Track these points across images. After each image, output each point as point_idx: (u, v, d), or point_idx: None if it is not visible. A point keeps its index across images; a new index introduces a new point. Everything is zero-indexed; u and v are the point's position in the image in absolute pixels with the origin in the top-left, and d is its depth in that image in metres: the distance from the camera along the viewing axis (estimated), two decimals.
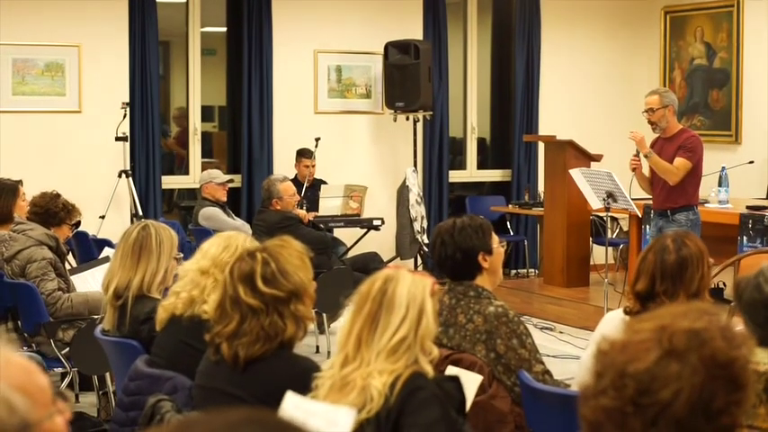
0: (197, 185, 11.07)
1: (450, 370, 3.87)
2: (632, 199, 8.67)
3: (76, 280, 6.90)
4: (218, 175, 10.18)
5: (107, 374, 6.58)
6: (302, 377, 3.44)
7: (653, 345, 1.97)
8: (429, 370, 3.28)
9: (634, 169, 8.38)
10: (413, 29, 12.29)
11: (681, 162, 8.22)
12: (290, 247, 3.68)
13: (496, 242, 4.64)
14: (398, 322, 3.25)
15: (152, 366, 4.25)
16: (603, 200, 8.60)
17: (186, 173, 11.83)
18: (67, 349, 6.48)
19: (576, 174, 8.97)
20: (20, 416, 1.74)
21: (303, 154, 11.21)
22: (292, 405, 2.97)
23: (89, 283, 6.90)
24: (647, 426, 1.91)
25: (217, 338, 3.62)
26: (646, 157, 8.24)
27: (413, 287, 3.30)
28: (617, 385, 1.95)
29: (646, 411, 1.91)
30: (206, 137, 12.04)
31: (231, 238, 4.47)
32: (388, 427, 3.15)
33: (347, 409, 3.04)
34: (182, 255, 5.11)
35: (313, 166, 11.15)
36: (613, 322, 4.39)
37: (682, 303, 4.11)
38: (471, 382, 3.62)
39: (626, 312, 4.36)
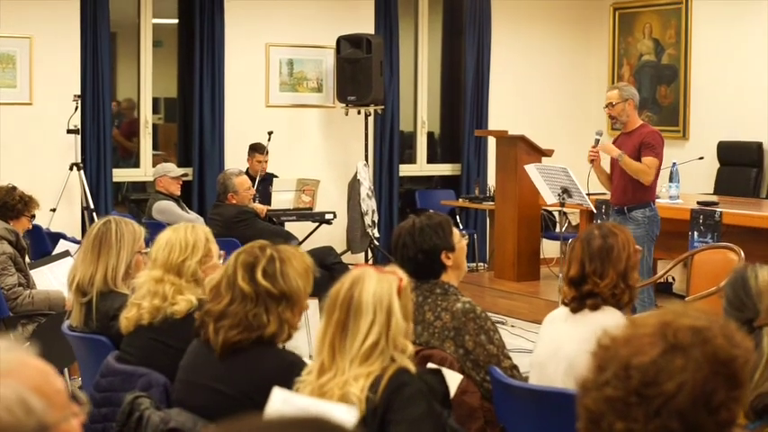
0: (148, 178, 10.99)
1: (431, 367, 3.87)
2: (588, 194, 8.72)
3: (36, 275, 6.84)
4: (173, 169, 10.13)
5: (66, 370, 6.55)
6: (288, 371, 3.44)
7: (658, 339, 2.03)
8: (409, 365, 3.29)
9: (592, 161, 8.42)
10: (364, 23, 12.29)
11: (650, 161, 8.24)
12: (300, 257, 3.70)
13: (458, 237, 4.66)
14: (367, 328, 3.23)
15: (123, 363, 4.23)
16: (558, 195, 8.65)
17: (135, 165, 11.76)
18: (27, 344, 6.42)
19: (531, 169, 9.02)
20: (37, 417, 1.75)
21: (256, 149, 11.18)
22: (281, 400, 2.94)
23: (48, 277, 6.86)
24: (651, 416, 1.97)
25: (206, 317, 3.64)
26: (618, 160, 8.27)
27: (378, 289, 3.27)
28: (621, 376, 2.01)
29: (650, 402, 1.97)
30: (152, 129, 11.92)
31: (172, 237, 4.42)
32: (375, 424, 3.16)
33: (347, 407, 3.03)
34: (148, 249, 5.08)
35: (266, 161, 11.13)
36: (558, 316, 4.54)
37: (612, 282, 4.31)
38: (452, 380, 3.63)
39: (564, 303, 4.47)
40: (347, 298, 3.26)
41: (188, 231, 4.43)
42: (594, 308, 4.34)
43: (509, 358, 4.53)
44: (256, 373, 3.54)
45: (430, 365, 3.73)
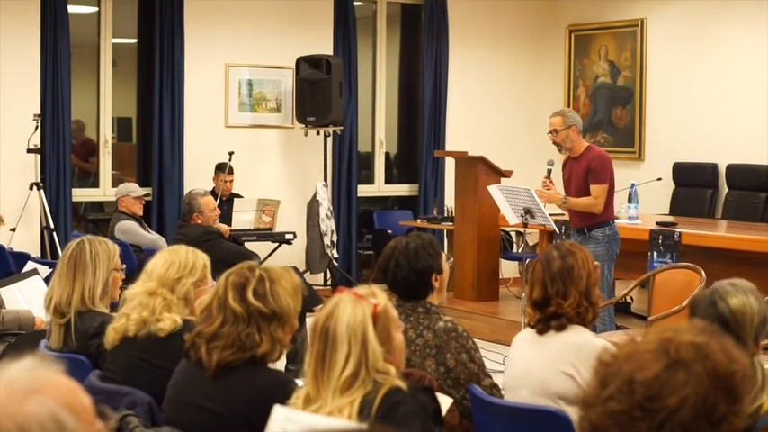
0: (107, 198, 10.96)
1: None
2: (551, 214, 8.80)
3: (3, 294, 6.82)
4: (135, 189, 10.12)
5: None
6: (279, 390, 3.47)
7: (660, 355, 2.08)
8: (401, 383, 3.31)
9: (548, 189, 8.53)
10: (323, 44, 12.34)
11: (597, 189, 8.39)
12: (289, 277, 3.75)
13: (444, 260, 4.75)
14: (344, 360, 3.24)
15: (106, 382, 4.25)
16: (521, 216, 8.72)
17: (93, 185, 11.72)
18: None
19: (494, 190, 9.08)
20: None
21: (222, 169, 11.21)
22: (284, 418, 2.97)
23: (16, 296, 6.83)
24: (654, 430, 2.02)
25: (197, 338, 3.67)
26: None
27: (351, 319, 3.28)
28: (624, 391, 2.06)
29: (654, 416, 2.02)
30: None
31: (174, 254, 4.48)
32: None
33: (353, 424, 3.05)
34: (124, 266, 5.11)
35: (231, 181, 11.17)
36: (525, 339, 4.59)
37: (575, 301, 4.38)
38: (443, 404, 3.66)
39: (531, 326, 4.53)
40: (324, 330, 3.28)
41: (189, 253, 4.49)
42: (560, 328, 4.41)
43: (489, 377, 4.58)
44: (248, 392, 3.57)
45: None
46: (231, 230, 10.52)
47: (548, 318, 4.43)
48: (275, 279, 3.68)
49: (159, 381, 3.93)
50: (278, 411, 3.01)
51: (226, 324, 3.61)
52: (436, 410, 3.46)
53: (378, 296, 3.40)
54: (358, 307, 3.31)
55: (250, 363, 3.61)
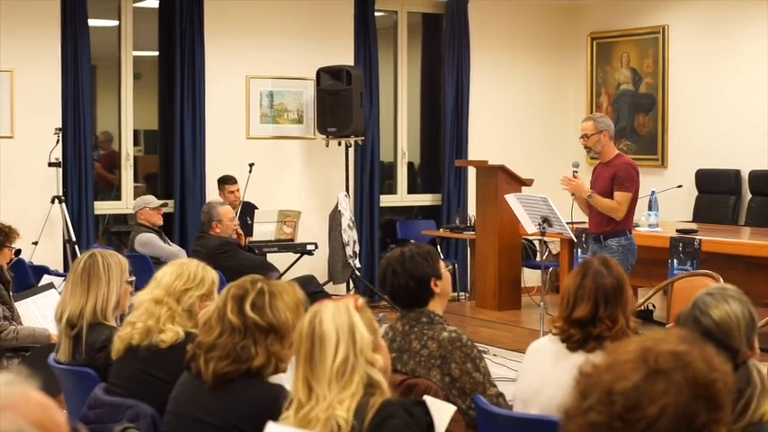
0: (129, 211, 10.98)
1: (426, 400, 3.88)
2: (569, 222, 8.76)
3: (20, 307, 6.85)
4: (152, 200, 10.15)
5: None
6: (273, 402, 3.47)
7: (639, 364, 2.06)
8: (382, 380, 3.29)
9: (573, 193, 8.47)
10: (344, 54, 12.35)
11: (620, 196, 8.32)
12: (292, 291, 3.76)
13: (443, 266, 4.74)
14: (334, 348, 3.25)
15: (111, 395, 4.26)
16: (539, 224, 8.70)
17: (116, 198, 11.77)
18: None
19: (511, 199, 9.07)
20: None
21: (225, 181, 11.23)
22: None
23: (31, 310, 6.86)
24: None
25: (197, 349, 3.68)
26: (588, 198, 8.33)
27: (336, 314, 3.30)
28: (604, 402, 2.04)
29: (634, 426, 2.00)
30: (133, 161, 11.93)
31: (184, 266, 4.51)
32: None
33: None
34: (134, 278, 5.12)
35: (237, 190, 11.18)
36: (544, 350, 4.44)
37: (621, 327, 4.17)
38: (445, 411, 3.64)
39: (563, 340, 4.29)
40: (310, 331, 3.29)
41: (200, 267, 4.52)
42: (591, 350, 4.15)
43: (494, 386, 4.56)
44: (243, 405, 3.57)
45: (426, 398, 3.73)
46: (252, 241, 10.54)
47: (588, 338, 4.21)
48: (276, 293, 3.68)
49: (161, 393, 3.94)
50: (270, 428, 3.00)
51: (223, 335, 3.62)
52: (429, 424, 3.44)
53: (357, 298, 3.41)
54: (339, 304, 3.34)
55: (246, 375, 3.62)
